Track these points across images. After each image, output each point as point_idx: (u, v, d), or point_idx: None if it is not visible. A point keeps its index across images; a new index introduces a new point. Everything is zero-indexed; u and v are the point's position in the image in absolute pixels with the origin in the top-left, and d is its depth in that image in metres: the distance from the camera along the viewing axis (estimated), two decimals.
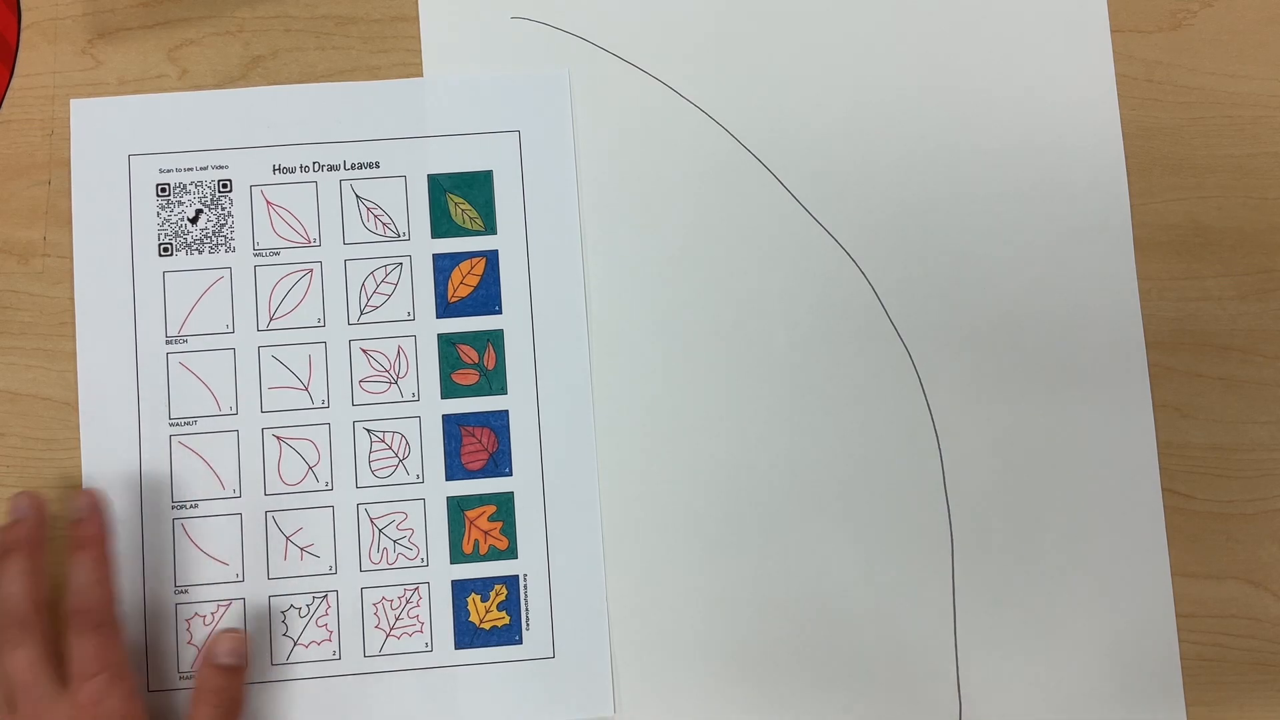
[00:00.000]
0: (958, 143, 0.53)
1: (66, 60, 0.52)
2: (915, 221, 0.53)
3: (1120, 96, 0.53)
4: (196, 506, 0.50)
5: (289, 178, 0.52)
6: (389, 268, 0.52)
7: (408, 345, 0.51)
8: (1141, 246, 0.53)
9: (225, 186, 0.52)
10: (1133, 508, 0.51)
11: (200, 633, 0.49)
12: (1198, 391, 0.52)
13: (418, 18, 0.53)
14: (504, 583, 0.50)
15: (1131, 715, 0.50)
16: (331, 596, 0.50)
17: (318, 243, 0.52)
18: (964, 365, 0.52)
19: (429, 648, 0.50)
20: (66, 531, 0.47)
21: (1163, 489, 0.51)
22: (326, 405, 0.51)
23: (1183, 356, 0.52)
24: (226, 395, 0.51)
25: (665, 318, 0.52)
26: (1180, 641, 0.51)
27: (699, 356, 0.52)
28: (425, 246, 0.52)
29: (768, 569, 0.50)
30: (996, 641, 0.50)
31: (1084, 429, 0.52)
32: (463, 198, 0.52)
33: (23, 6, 0.53)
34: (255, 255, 0.51)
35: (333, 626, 0.50)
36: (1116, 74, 0.54)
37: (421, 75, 0.53)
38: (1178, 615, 0.51)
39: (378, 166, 0.52)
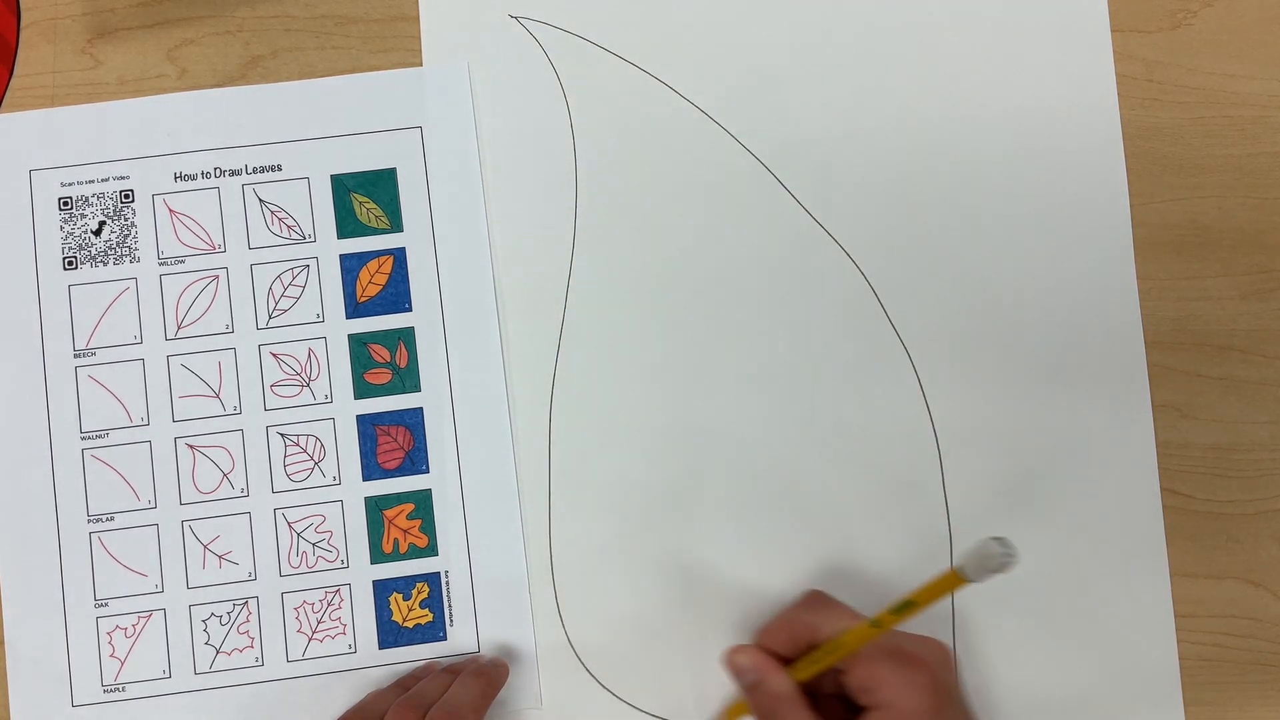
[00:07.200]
0: (957, 143, 0.53)
1: (66, 60, 0.52)
2: (915, 221, 0.53)
3: (1120, 96, 0.53)
4: (113, 519, 0.50)
5: (190, 185, 0.52)
6: (296, 270, 0.51)
7: (318, 347, 0.51)
8: (1141, 246, 0.53)
9: (127, 197, 0.51)
10: (1132, 507, 0.51)
11: (121, 645, 0.49)
12: (1198, 391, 0.52)
13: (418, 17, 0.53)
14: (425, 580, 0.50)
15: (1130, 714, 0.50)
16: (252, 603, 0.50)
17: (222, 249, 0.51)
18: (964, 365, 0.52)
19: (352, 649, 0.50)
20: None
21: (1162, 489, 0.51)
22: (239, 411, 0.51)
23: (1183, 356, 0.52)
24: (137, 406, 0.51)
25: (652, 319, 0.52)
26: (1179, 641, 0.51)
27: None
28: (332, 247, 0.52)
29: (765, 568, 0.50)
30: (996, 641, 0.50)
31: (1083, 429, 0.51)
32: (367, 196, 0.52)
33: (23, 6, 0.53)
34: (160, 264, 0.51)
35: (254, 633, 0.50)
36: (1116, 74, 0.53)
37: None
38: (1177, 615, 0.51)
39: (280, 169, 0.52)
